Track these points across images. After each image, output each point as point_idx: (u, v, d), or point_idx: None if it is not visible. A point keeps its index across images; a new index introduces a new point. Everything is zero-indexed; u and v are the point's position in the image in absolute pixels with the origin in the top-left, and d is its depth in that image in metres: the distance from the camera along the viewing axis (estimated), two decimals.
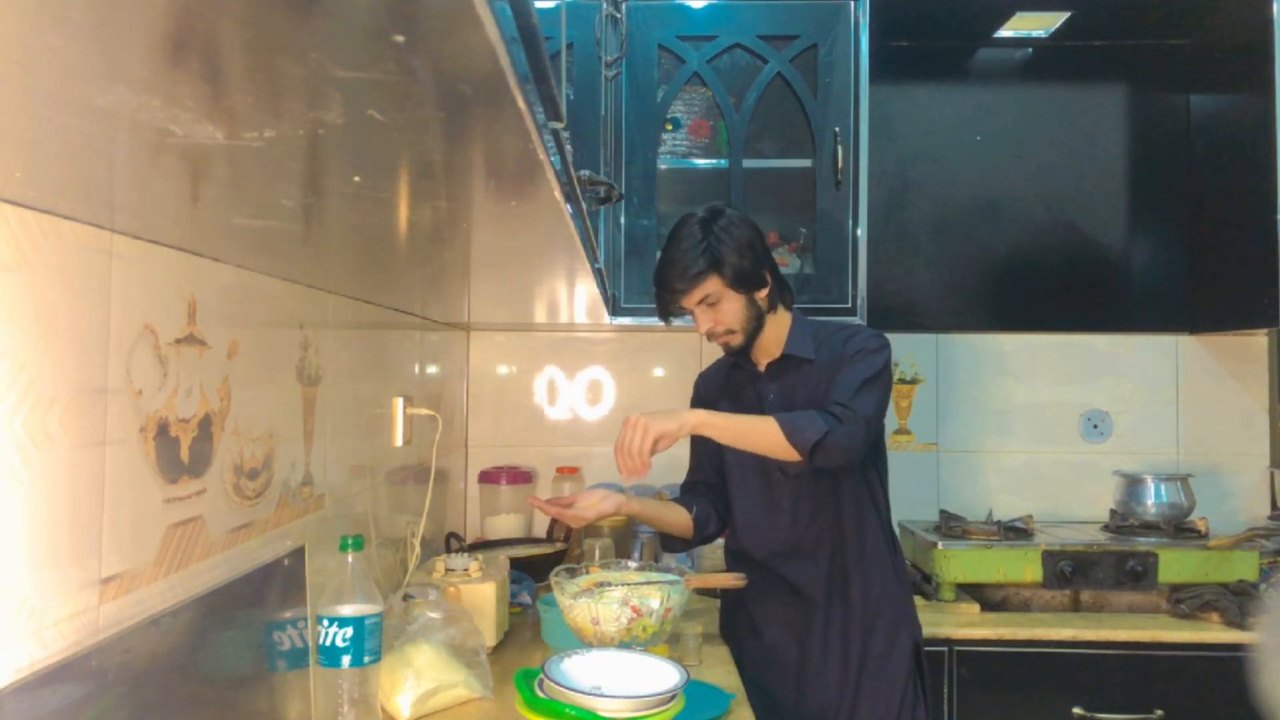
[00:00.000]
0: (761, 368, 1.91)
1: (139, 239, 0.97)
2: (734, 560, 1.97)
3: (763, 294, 1.84)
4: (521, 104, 0.51)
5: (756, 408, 1.89)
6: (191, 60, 0.48)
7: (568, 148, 0.83)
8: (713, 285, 1.79)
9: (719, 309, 1.81)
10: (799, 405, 1.84)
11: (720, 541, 2.51)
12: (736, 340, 1.84)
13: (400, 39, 0.41)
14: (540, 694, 1.36)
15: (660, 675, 1.41)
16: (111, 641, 0.89)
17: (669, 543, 1.99)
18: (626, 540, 2.52)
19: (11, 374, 0.78)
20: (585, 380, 2.83)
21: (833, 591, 1.86)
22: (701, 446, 2.02)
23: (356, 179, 0.71)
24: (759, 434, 1.68)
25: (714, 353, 2.09)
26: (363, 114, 0.52)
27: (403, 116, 0.53)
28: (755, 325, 1.84)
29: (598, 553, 2.27)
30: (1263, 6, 2.40)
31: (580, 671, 1.43)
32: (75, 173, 0.74)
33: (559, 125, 0.66)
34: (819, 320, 1.96)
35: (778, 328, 1.88)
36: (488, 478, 2.70)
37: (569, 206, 0.86)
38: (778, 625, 1.88)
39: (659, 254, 2.41)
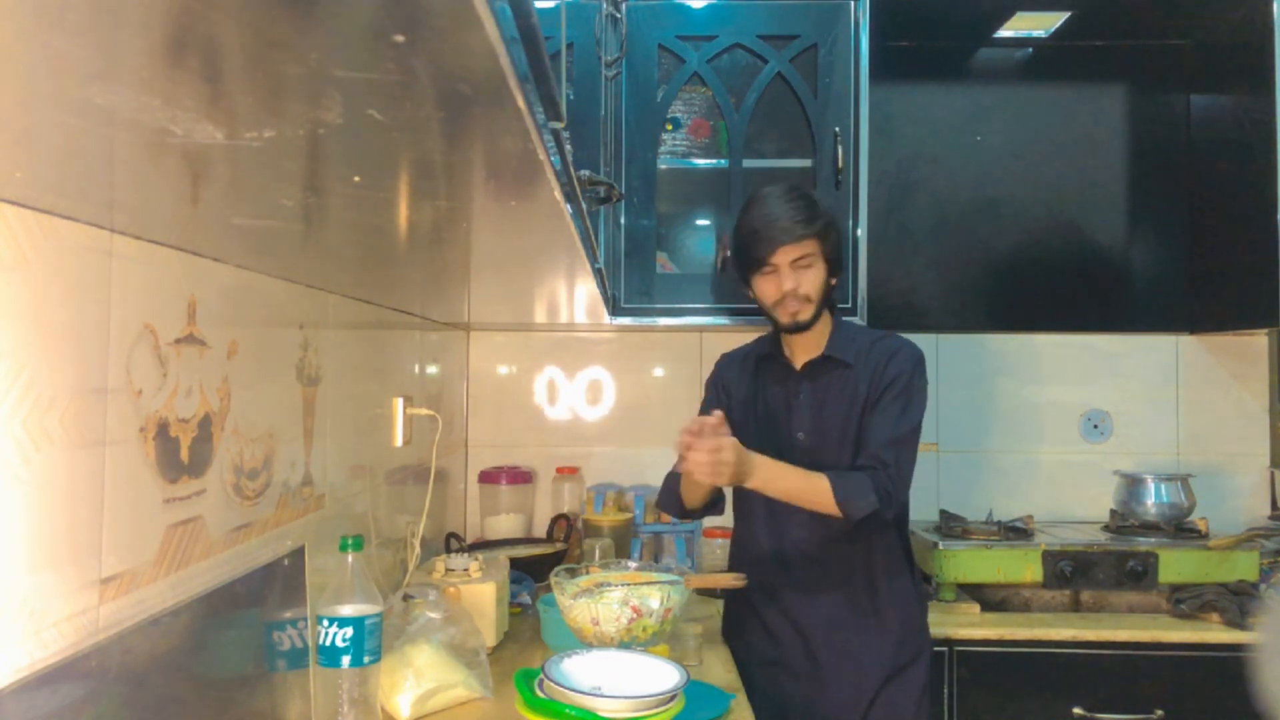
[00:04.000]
0: (798, 366, 1.90)
1: (139, 239, 0.97)
2: (749, 559, 1.94)
3: (834, 282, 1.88)
4: (521, 104, 0.51)
5: (783, 403, 1.90)
6: (191, 60, 0.48)
7: (568, 148, 0.83)
8: (814, 248, 1.82)
9: (808, 274, 1.82)
10: (829, 408, 1.85)
11: (720, 541, 2.52)
12: (806, 314, 1.83)
13: (400, 39, 0.41)
14: (540, 694, 1.36)
15: (660, 675, 1.41)
16: (111, 641, 0.89)
17: (669, 504, 1.96)
18: (626, 540, 2.52)
19: (12, 374, 0.78)
20: (585, 380, 2.83)
21: (855, 600, 1.85)
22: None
23: (356, 179, 0.71)
24: (811, 496, 1.72)
25: (712, 355, 2.08)
26: (363, 114, 0.52)
27: (403, 116, 0.53)
28: (822, 307, 1.86)
29: (598, 553, 2.27)
30: (1263, 6, 2.40)
31: (580, 671, 1.43)
32: (75, 172, 0.74)
33: (559, 125, 0.66)
34: (857, 325, 1.98)
35: (818, 326, 1.88)
36: (488, 478, 2.70)
37: (569, 206, 0.86)
38: (793, 628, 1.87)
39: (660, 253, 2.42)
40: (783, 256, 1.81)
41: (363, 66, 0.45)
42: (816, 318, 1.85)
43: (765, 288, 1.85)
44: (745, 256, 1.86)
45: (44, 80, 0.50)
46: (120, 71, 0.49)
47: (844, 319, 1.95)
